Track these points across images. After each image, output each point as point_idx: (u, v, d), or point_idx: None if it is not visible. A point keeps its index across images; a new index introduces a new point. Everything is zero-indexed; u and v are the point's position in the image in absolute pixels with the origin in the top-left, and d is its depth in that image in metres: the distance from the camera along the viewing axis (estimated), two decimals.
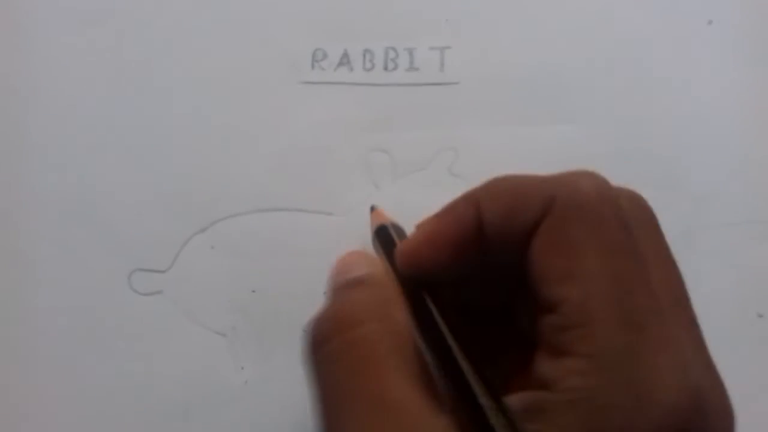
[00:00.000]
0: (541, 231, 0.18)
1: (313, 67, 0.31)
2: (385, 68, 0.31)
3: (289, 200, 0.30)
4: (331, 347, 0.18)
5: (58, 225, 0.30)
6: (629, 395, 0.15)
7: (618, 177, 0.30)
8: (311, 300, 0.28)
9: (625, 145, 0.31)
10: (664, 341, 0.16)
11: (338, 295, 0.20)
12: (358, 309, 0.19)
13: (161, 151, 0.31)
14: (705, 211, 0.30)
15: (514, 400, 0.17)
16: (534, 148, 0.31)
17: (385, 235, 0.25)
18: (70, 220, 0.30)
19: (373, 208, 0.28)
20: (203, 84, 0.31)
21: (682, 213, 0.30)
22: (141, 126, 0.31)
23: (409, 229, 0.25)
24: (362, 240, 0.30)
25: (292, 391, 0.28)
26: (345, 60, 0.32)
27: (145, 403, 0.28)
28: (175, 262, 0.30)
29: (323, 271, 0.29)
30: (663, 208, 0.30)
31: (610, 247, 0.17)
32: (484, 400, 0.17)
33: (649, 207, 0.20)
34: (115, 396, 0.28)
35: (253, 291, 0.29)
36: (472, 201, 0.20)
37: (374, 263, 0.22)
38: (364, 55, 0.32)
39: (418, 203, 0.30)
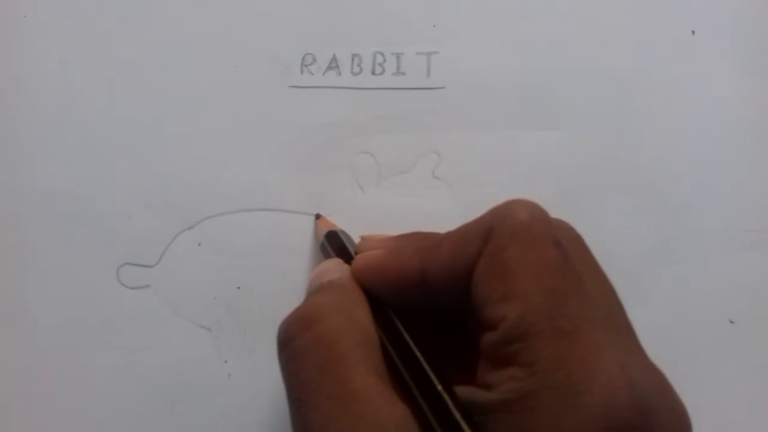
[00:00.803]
0: (480, 260, 0.19)
1: (302, 71, 0.32)
2: (373, 72, 0.32)
3: (275, 200, 0.30)
4: (296, 344, 0.19)
5: (49, 219, 0.30)
6: (560, 397, 0.16)
7: (599, 184, 0.31)
8: (294, 297, 0.29)
9: (607, 152, 0.31)
10: (598, 346, 0.17)
11: (308, 298, 0.22)
12: (323, 308, 0.20)
13: (152, 149, 0.31)
14: (682, 220, 0.31)
15: (459, 392, 0.18)
16: (517, 154, 0.31)
17: (336, 240, 0.27)
18: (60, 215, 0.30)
19: (318, 216, 0.29)
20: (195, 85, 0.32)
21: (660, 221, 0.31)
22: (133, 125, 0.31)
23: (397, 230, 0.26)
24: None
25: (273, 385, 0.29)
26: (333, 64, 0.32)
27: (131, 393, 0.29)
28: (163, 257, 0.30)
29: (306, 270, 0.30)
30: (642, 216, 0.31)
31: (544, 263, 0.18)
32: (440, 388, 0.19)
33: (577, 231, 0.21)
34: (101, 387, 0.29)
35: (238, 287, 0.30)
36: (418, 253, 0.21)
37: (345, 269, 0.23)
38: (353, 60, 0.32)
39: (401, 205, 0.31)
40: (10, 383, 0.29)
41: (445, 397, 0.18)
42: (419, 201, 0.31)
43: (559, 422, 0.16)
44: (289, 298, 0.29)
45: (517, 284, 0.18)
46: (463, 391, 0.18)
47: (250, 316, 0.29)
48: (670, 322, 0.30)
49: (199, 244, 0.30)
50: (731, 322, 0.30)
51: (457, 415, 0.18)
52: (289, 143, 0.31)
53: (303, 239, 0.30)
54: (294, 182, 0.31)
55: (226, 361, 0.29)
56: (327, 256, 0.27)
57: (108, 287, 0.30)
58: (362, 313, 0.21)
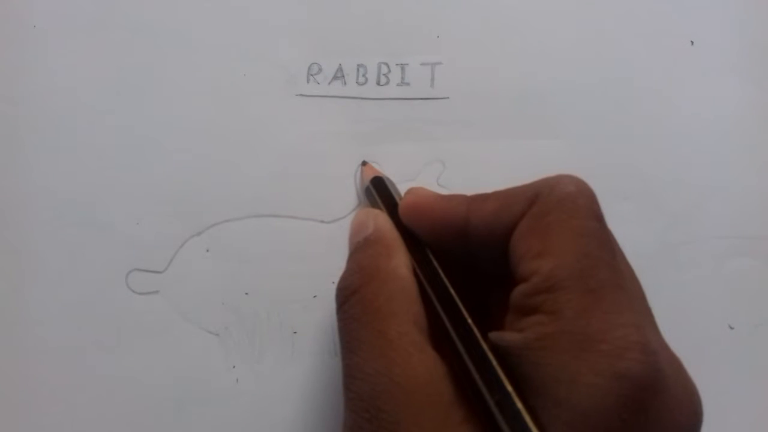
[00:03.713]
0: (523, 220, 0.20)
1: (308, 80, 0.32)
2: (378, 83, 0.32)
3: (282, 207, 0.31)
4: (345, 308, 0.22)
5: (57, 225, 0.30)
6: (576, 341, 0.17)
7: (600, 191, 0.31)
8: (302, 303, 0.30)
9: (608, 160, 0.31)
10: (620, 307, 0.18)
11: (351, 259, 0.24)
12: (363, 270, 0.22)
13: (161, 157, 0.31)
14: (682, 226, 0.31)
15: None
16: (519, 162, 0.31)
17: (381, 186, 0.27)
18: (69, 221, 0.30)
19: (364, 163, 0.30)
20: (204, 93, 0.32)
21: (660, 228, 0.31)
22: (141, 131, 0.31)
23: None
24: None
25: (281, 391, 0.29)
26: (339, 74, 0.32)
27: (138, 398, 0.29)
28: (172, 263, 0.30)
29: (314, 276, 0.30)
30: (642, 222, 0.31)
31: (583, 231, 0.19)
32: (470, 321, 0.20)
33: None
34: (109, 391, 0.29)
35: (246, 293, 0.30)
36: (465, 202, 0.22)
37: (378, 217, 0.25)
38: (358, 70, 0.32)
39: None
40: (17, 388, 0.29)
41: (474, 330, 0.20)
42: None
43: (572, 363, 0.17)
44: (297, 304, 0.30)
45: (554, 244, 0.19)
46: (491, 335, 0.20)
47: (258, 321, 0.30)
48: (669, 328, 0.30)
49: (208, 250, 0.30)
50: (731, 327, 0.30)
51: (485, 346, 0.19)
52: (295, 151, 0.31)
53: (310, 245, 0.30)
54: (300, 189, 0.31)
55: (234, 367, 0.29)
56: (371, 200, 0.28)
57: (117, 293, 0.30)
58: (399, 262, 0.22)
